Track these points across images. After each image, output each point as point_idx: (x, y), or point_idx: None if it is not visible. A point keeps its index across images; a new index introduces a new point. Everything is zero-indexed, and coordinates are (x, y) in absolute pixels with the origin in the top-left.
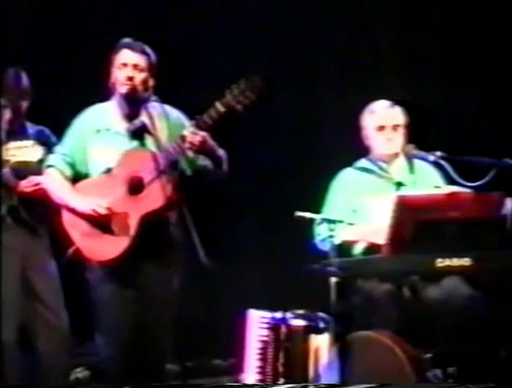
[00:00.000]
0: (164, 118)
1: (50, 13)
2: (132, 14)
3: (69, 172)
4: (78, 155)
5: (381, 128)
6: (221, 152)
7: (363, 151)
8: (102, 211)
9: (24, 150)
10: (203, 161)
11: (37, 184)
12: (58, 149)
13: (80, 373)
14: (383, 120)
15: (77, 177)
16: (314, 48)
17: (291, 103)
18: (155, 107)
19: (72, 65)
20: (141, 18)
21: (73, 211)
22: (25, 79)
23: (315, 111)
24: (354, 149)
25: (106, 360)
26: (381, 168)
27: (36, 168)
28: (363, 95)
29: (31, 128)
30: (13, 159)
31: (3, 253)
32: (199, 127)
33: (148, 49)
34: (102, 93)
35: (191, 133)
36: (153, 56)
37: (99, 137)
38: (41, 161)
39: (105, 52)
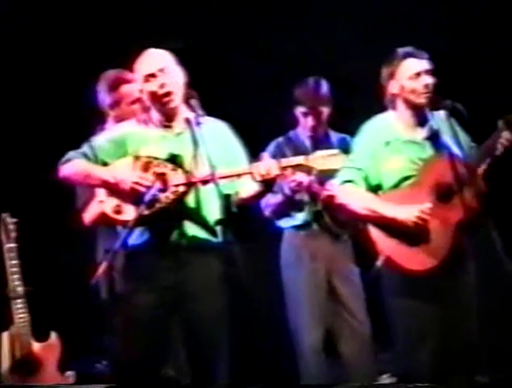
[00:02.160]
0: (450, 122)
1: None
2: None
3: (364, 186)
4: (371, 168)
5: None
6: None
7: None
8: (427, 217)
9: (329, 158)
10: None
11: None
12: (350, 163)
13: (386, 379)
14: None
15: (368, 190)
16: None
17: None
18: (439, 112)
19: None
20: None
21: (387, 221)
22: (325, 87)
23: None
24: None
25: (407, 369)
26: None
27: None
28: None
29: (334, 135)
30: (318, 167)
31: (310, 259)
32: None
33: (425, 53)
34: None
35: (507, 137)
36: None
37: (389, 148)
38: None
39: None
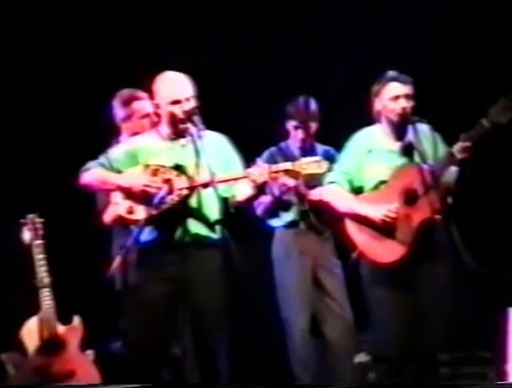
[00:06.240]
0: (427, 136)
1: None
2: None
3: (347, 187)
4: (354, 172)
5: None
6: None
7: None
8: (393, 216)
9: (313, 164)
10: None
11: (321, 195)
12: (337, 167)
13: (362, 357)
14: None
15: (352, 191)
16: None
17: None
18: (419, 126)
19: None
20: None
21: (361, 218)
22: (313, 104)
23: None
24: None
25: (381, 348)
26: None
27: (322, 179)
28: None
29: (319, 147)
30: (304, 172)
31: (298, 254)
32: (465, 142)
33: (410, 78)
34: (367, 118)
35: (463, 148)
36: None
37: (372, 155)
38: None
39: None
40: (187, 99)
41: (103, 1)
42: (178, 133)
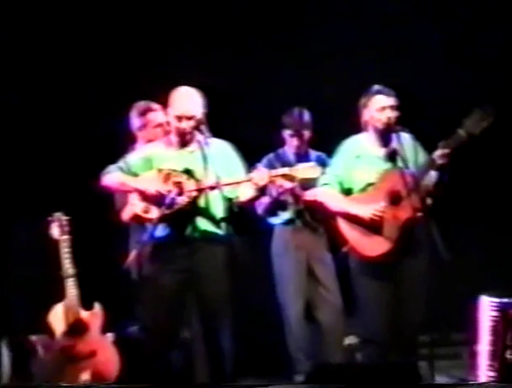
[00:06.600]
0: (409, 144)
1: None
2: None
3: (338, 189)
4: (344, 175)
5: None
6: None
7: None
8: (380, 214)
9: (308, 169)
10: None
11: (316, 196)
12: (329, 171)
13: (351, 340)
14: None
15: (342, 192)
16: None
17: None
18: (402, 135)
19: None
20: None
21: (351, 217)
22: (306, 115)
23: None
24: None
25: (368, 331)
26: None
27: (315, 182)
28: None
29: (313, 153)
30: (300, 176)
31: (295, 248)
32: (444, 149)
33: (392, 91)
34: (356, 127)
35: (441, 154)
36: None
37: (360, 160)
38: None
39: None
40: (189, 118)
41: (126, 19)
42: (185, 141)
